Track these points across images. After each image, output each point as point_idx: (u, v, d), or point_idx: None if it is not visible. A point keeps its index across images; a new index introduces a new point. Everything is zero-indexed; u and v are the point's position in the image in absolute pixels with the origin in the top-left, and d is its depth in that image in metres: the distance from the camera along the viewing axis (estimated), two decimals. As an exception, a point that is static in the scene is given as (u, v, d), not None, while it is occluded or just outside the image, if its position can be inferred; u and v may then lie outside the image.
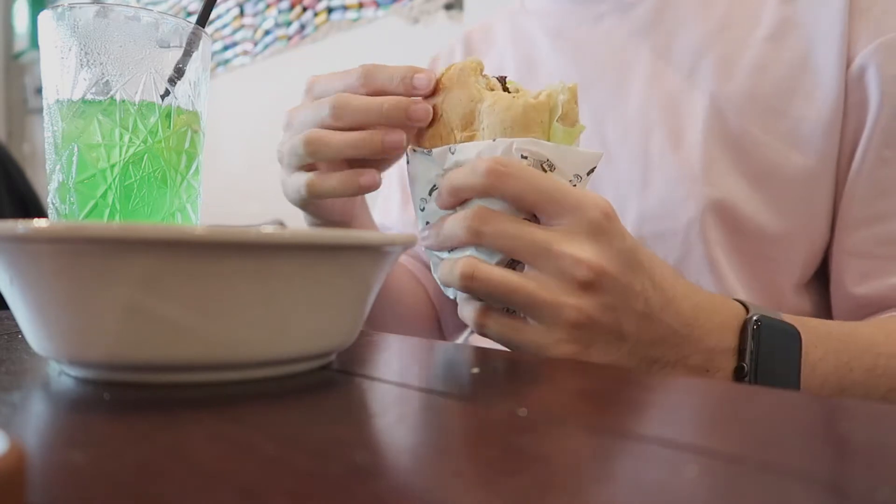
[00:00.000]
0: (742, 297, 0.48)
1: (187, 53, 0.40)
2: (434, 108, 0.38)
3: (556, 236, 0.33)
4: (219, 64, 2.25)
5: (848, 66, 0.48)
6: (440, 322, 0.68)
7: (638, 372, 0.30)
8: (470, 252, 0.36)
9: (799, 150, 0.49)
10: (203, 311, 0.23)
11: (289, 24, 1.99)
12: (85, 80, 0.38)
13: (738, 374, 0.36)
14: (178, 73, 0.40)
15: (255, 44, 2.12)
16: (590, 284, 0.33)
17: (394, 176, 0.71)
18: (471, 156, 0.35)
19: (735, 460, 0.18)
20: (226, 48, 2.23)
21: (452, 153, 0.36)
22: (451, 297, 0.40)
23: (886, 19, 0.48)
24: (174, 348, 0.24)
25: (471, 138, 0.36)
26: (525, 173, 0.33)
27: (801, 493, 0.16)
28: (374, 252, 0.27)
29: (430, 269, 0.68)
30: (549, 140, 0.35)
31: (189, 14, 2.34)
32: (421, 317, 0.66)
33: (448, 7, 1.59)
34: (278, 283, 0.24)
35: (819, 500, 0.15)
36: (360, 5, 1.78)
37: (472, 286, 0.34)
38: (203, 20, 0.41)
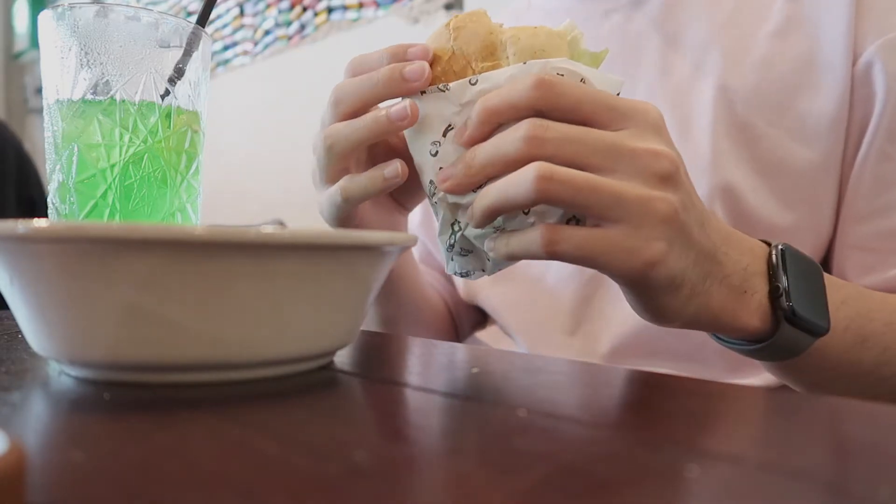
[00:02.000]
0: None
1: (187, 53, 0.40)
2: (439, 52, 0.35)
3: (625, 135, 0.31)
4: (219, 64, 2.25)
5: (854, 62, 0.48)
6: (457, 331, 0.68)
7: (633, 371, 0.30)
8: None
9: (804, 145, 0.49)
10: (203, 311, 0.23)
11: (289, 24, 1.99)
12: (85, 80, 0.38)
13: (774, 295, 0.36)
14: (178, 73, 0.40)
15: (255, 44, 2.12)
16: (670, 177, 0.31)
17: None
18: (500, 81, 0.33)
19: (735, 460, 0.18)
20: (226, 48, 2.23)
21: (474, 84, 0.34)
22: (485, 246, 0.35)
23: (892, 16, 0.48)
24: (174, 348, 0.24)
25: (493, 69, 0.34)
26: (575, 85, 0.31)
27: (801, 493, 0.16)
28: (374, 252, 0.27)
29: (445, 277, 0.67)
30: None
31: (189, 14, 2.34)
32: (438, 329, 0.66)
33: (448, 7, 1.59)
34: (278, 283, 0.24)
35: (819, 500, 0.15)
36: (360, 5, 1.78)
37: (549, 188, 0.29)
38: (203, 20, 0.41)
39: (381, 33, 1.71)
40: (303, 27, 1.95)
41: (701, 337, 0.51)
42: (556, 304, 0.56)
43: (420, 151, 0.35)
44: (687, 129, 0.52)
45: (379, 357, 0.34)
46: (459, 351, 0.34)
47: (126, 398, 0.23)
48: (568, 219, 0.32)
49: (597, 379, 0.29)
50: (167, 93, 0.40)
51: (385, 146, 0.41)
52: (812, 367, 0.40)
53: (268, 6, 2.07)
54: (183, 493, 0.15)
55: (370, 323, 0.59)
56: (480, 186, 0.33)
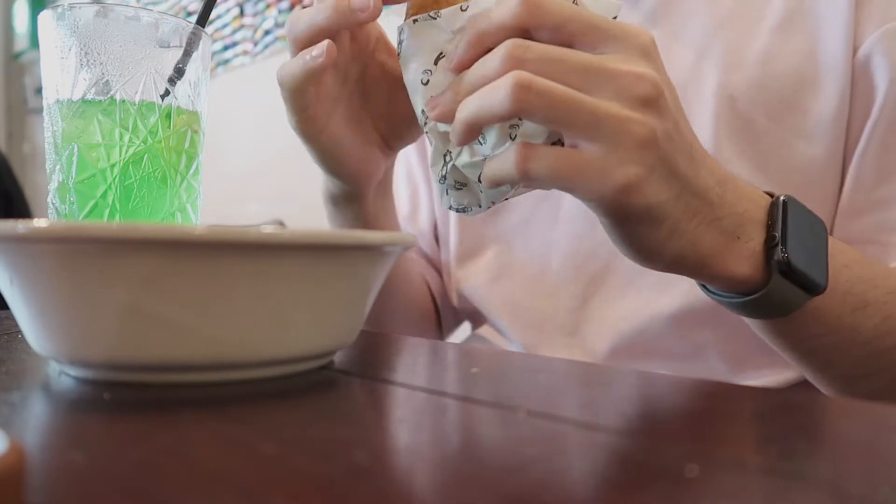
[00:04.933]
0: None
1: (187, 53, 0.40)
2: None
3: (609, 57, 0.30)
4: (219, 64, 2.25)
5: (854, 54, 0.48)
6: (440, 320, 0.68)
7: (633, 372, 0.30)
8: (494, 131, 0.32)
9: (807, 140, 0.49)
10: (203, 311, 0.23)
11: (289, 24, 1.99)
12: (85, 80, 0.38)
13: (770, 244, 0.34)
14: (178, 73, 0.40)
15: (255, 44, 2.12)
16: (652, 102, 0.30)
17: (402, 185, 0.70)
18: (490, 4, 0.32)
19: (735, 460, 0.18)
20: (226, 48, 2.23)
21: (464, 10, 0.33)
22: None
23: (891, 7, 0.48)
24: (174, 348, 0.24)
25: None
26: (563, 4, 0.31)
27: (801, 493, 0.16)
28: (374, 252, 0.27)
29: (434, 267, 0.67)
30: None
31: (189, 14, 2.34)
32: (422, 313, 0.65)
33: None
34: (278, 283, 0.24)
35: (819, 501, 0.15)
36: (360, 5, 1.78)
37: (527, 99, 0.28)
38: (203, 20, 0.41)
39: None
40: (303, 27, 1.95)
41: (701, 337, 0.51)
42: (556, 304, 0.56)
43: (412, 80, 0.35)
44: None
45: (379, 357, 0.34)
46: (459, 351, 0.34)
47: (126, 398, 0.23)
48: (552, 143, 0.31)
49: (597, 379, 0.29)
50: (167, 93, 0.40)
51: (377, 75, 0.42)
52: (807, 330, 0.38)
53: (268, 6, 2.07)
54: (183, 493, 0.15)
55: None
56: None
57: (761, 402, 0.25)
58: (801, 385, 0.49)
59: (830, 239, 0.37)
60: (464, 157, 0.34)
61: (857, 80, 0.48)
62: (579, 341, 0.55)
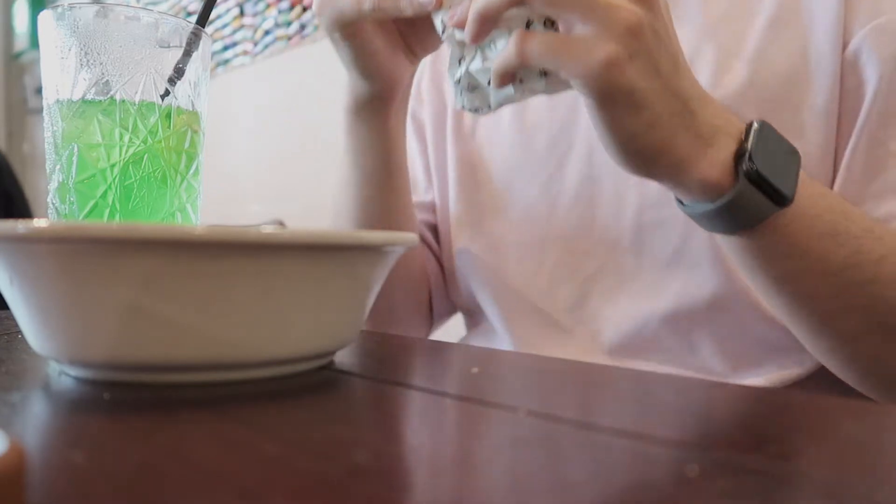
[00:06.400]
0: (742, 281, 0.48)
1: (187, 53, 0.40)
2: None
3: None
4: (219, 64, 2.25)
5: (843, 50, 0.48)
6: (431, 302, 0.67)
7: (632, 371, 0.30)
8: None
9: (799, 137, 0.49)
10: (203, 311, 0.23)
11: (289, 24, 1.99)
12: (85, 80, 0.38)
13: (739, 153, 0.37)
14: (178, 73, 0.40)
15: (255, 44, 2.12)
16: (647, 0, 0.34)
17: (416, 158, 0.70)
18: None
19: (735, 460, 0.18)
20: (226, 48, 2.23)
21: None
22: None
23: (880, 2, 0.48)
24: (174, 348, 0.24)
25: None
26: None
27: (801, 492, 0.16)
28: (374, 252, 0.27)
29: (430, 247, 0.67)
30: None
31: (189, 14, 2.34)
32: (416, 290, 0.65)
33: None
34: (278, 283, 0.24)
35: (819, 500, 0.15)
36: (360, 5, 1.78)
37: None
38: (203, 20, 0.41)
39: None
40: (303, 27, 1.95)
41: (697, 337, 0.51)
42: (553, 305, 0.56)
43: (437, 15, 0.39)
44: None
45: (379, 357, 0.34)
46: (459, 351, 0.34)
47: (126, 398, 0.23)
48: None
49: (596, 379, 0.29)
50: (167, 93, 0.40)
51: None
52: (775, 250, 0.39)
53: (268, 6, 2.07)
54: (183, 493, 0.15)
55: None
56: None
57: (761, 402, 0.25)
58: (801, 385, 0.49)
59: (811, 179, 0.39)
60: (476, 63, 0.38)
61: (847, 76, 0.48)
62: (575, 340, 0.55)
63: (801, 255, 0.39)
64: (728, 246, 0.41)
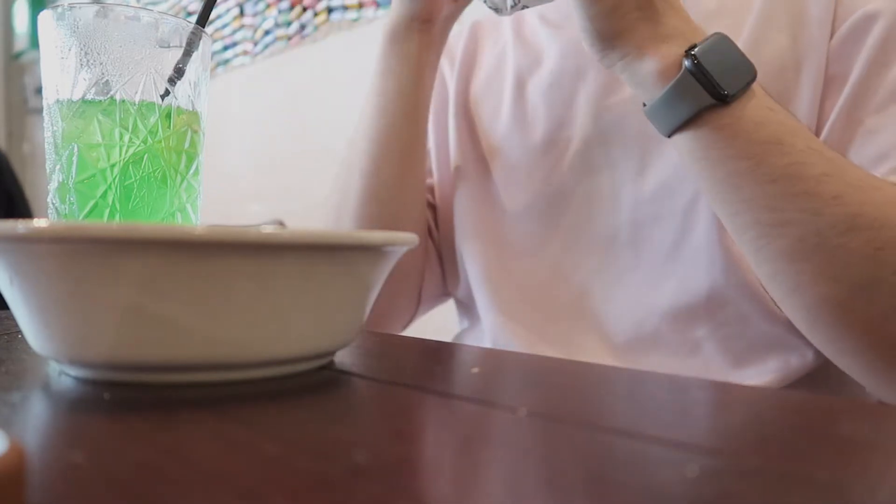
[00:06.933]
0: (741, 274, 0.48)
1: (187, 53, 0.40)
2: None
3: None
4: (219, 64, 2.25)
5: (830, 39, 0.48)
6: (422, 283, 0.67)
7: (633, 371, 0.30)
8: None
9: None
10: (203, 311, 0.23)
11: (289, 24, 1.99)
12: (85, 80, 0.38)
13: (688, 52, 0.40)
14: (178, 73, 0.40)
15: (255, 44, 2.12)
16: None
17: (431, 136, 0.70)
18: None
19: (735, 460, 0.18)
20: (226, 48, 2.23)
21: None
22: None
23: None
24: (174, 348, 0.24)
25: None
26: None
27: (801, 493, 0.16)
28: (374, 252, 0.27)
29: (428, 229, 0.66)
30: None
31: (189, 14, 2.34)
32: (409, 273, 0.65)
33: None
34: (278, 283, 0.24)
35: (819, 500, 0.15)
36: (360, 5, 1.78)
37: None
38: (203, 20, 0.41)
39: (380, 33, 1.71)
40: (303, 27, 1.95)
41: (697, 333, 0.51)
42: (552, 300, 0.56)
43: None
44: None
45: (379, 357, 0.34)
46: (459, 351, 0.34)
47: (126, 398, 0.23)
48: None
49: (597, 379, 0.29)
50: (167, 93, 0.39)
51: None
52: (720, 152, 0.40)
53: (268, 6, 2.07)
54: (183, 493, 0.15)
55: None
56: None
57: (761, 402, 0.25)
58: (801, 384, 0.49)
59: (770, 98, 0.41)
60: None
61: (832, 63, 0.48)
62: (576, 340, 0.55)
63: (742, 157, 0.40)
64: (680, 149, 0.43)
